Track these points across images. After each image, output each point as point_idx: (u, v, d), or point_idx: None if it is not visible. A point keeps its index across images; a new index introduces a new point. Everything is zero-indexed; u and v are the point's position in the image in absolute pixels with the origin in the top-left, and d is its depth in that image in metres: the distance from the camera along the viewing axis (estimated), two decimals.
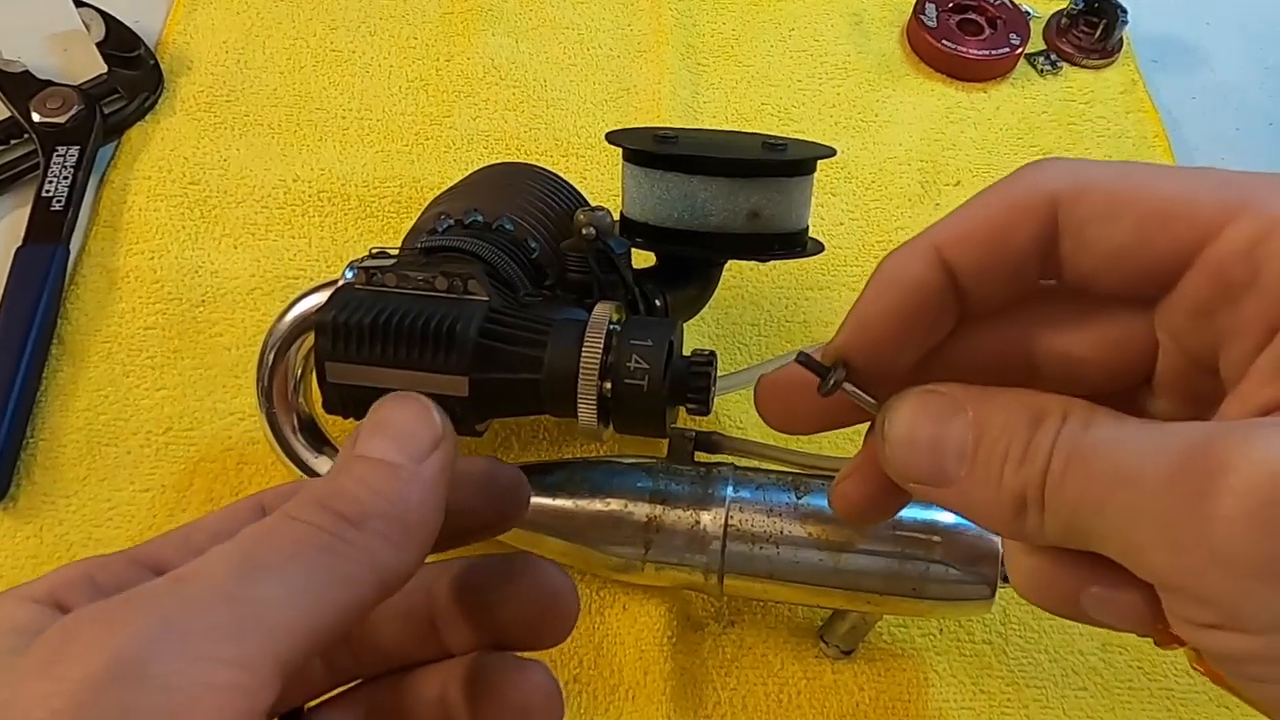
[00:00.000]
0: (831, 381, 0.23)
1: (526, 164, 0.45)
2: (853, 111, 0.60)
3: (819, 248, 0.41)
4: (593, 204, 0.39)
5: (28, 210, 0.50)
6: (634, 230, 0.40)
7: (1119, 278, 0.20)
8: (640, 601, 0.41)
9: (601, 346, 0.31)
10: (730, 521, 0.37)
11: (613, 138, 0.40)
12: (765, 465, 0.40)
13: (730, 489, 0.37)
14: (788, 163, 0.38)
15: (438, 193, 0.45)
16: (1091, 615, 0.21)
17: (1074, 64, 0.64)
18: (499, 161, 0.47)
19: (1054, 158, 0.21)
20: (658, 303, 0.40)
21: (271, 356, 0.40)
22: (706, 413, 0.30)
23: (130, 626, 0.16)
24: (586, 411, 0.30)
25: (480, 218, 0.39)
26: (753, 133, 0.45)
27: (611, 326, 0.31)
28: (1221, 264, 0.19)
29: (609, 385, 0.30)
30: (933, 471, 0.21)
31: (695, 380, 0.31)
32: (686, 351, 0.35)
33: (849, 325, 0.23)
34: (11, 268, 0.48)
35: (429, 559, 0.21)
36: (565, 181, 0.44)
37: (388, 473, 0.20)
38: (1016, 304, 0.23)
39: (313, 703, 0.24)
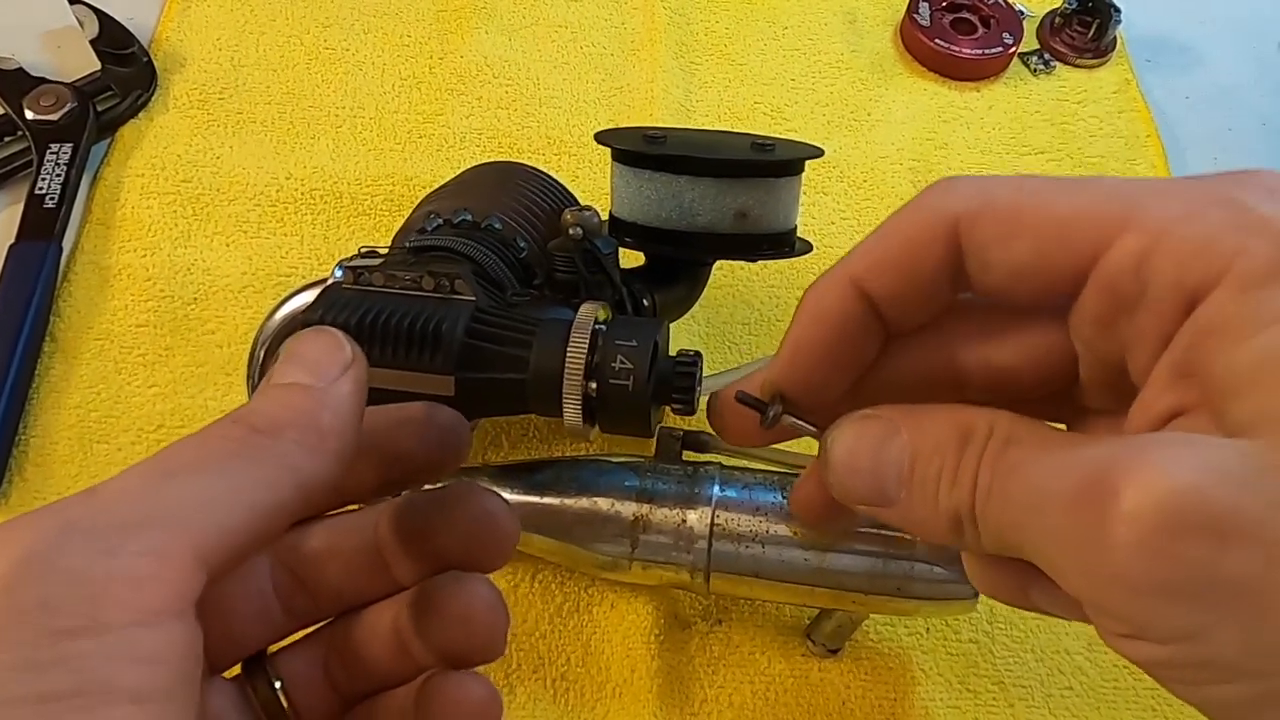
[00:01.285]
0: (771, 415, 0.24)
1: (517, 163, 0.45)
2: (845, 110, 0.60)
3: (807, 247, 0.42)
4: (584, 203, 0.39)
5: (20, 207, 0.50)
6: (622, 230, 0.40)
7: (1024, 293, 0.21)
8: (628, 600, 0.42)
9: (586, 346, 0.31)
10: (716, 521, 0.37)
11: (601, 137, 0.40)
12: (752, 465, 0.40)
13: (717, 488, 0.38)
14: (775, 163, 0.38)
15: (430, 190, 0.45)
16: (1043, 608, 0.22)
17: (1067, 63, 0.64)
18: (489, 160, 0.47)
19: (957, 177, 0.22)
20: (646, 303, 0.40)
21: (262, 354, 0.40)
22: (691, 413, 0.30)
23: (37, 529, 0.17)
24: (572, 411, 0.30)
25: (469, 217, 0.39)
26: (742, 133, 0.45)
27: (597, 326, 0.31)
28: (1112, 280, 0.20)
29: (594, 385, 0.30)
30: (875, 493, 0.22)
31: (680, 380, 0.31)
32: (673, 351, 0.35)
33: (779, 359, 0.24)
34: (4, 265, 0.48)
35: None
36: (555, 180, 0.44)
37: (301, 392, 0.21)
38: (941, 318, 0.23)
39: (274, 646, 0.25)
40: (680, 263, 0.42)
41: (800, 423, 0.24)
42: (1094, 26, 0.63)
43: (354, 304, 0.33)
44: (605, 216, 0.42)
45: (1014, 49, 0.62)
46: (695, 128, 0.58)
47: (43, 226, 0.49)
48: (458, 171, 0.46)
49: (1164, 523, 0.16)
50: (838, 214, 0.56)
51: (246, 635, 0.24)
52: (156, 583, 0.17)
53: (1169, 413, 0.19)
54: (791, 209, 0.40)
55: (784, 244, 0.41)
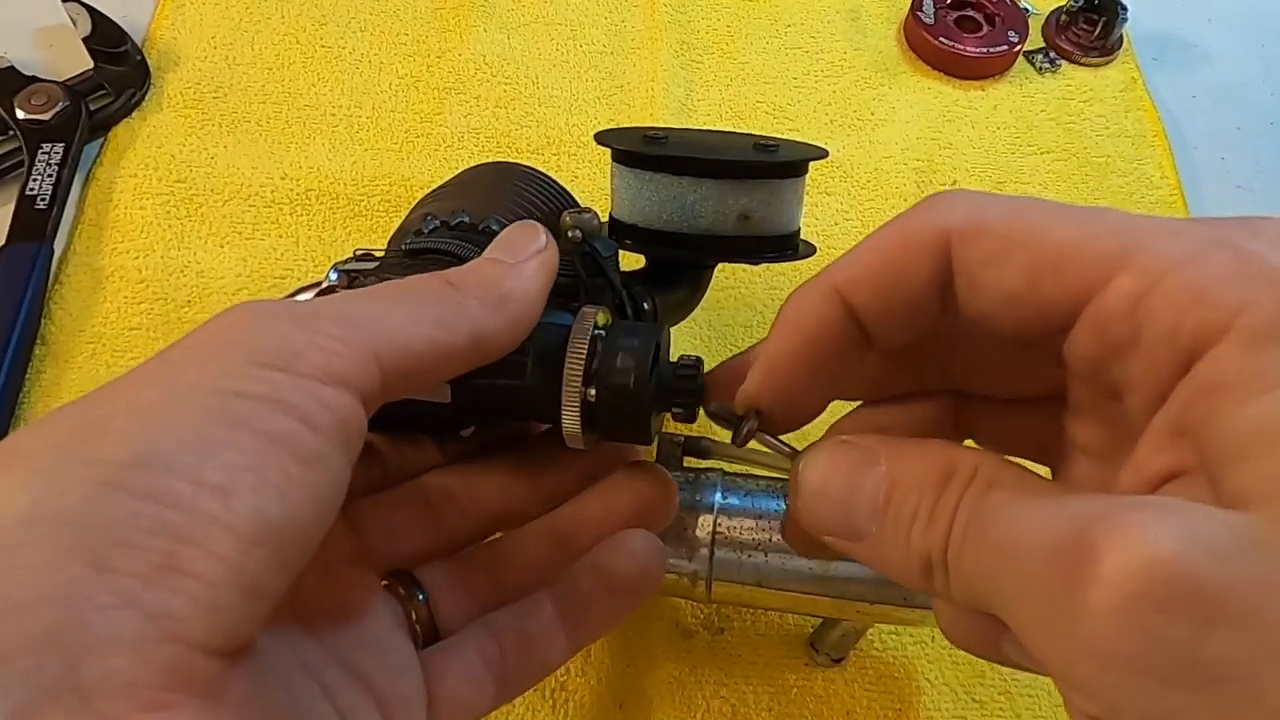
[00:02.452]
0: (745, 432, 0.23)
1: (514, 164, 0.45)
2: (849, 109, 0.59)
3: (810, 250, 0.41)
4: (583, 203, 0.39)
5: (11, 208, 0.49)
6: (623, 232, 0.40)
7: (1013, 321, 0.20)
8: None
9: (585, 351, 0.30)
10: (719, 528, 0.36)
11: (601, 138, 0.40)
12: (754, 471, 0.39)
13: (719, 495, 0.37)
14: (778, 164, 0.38)
15: (427, 191, 0.45)
16: (1016, 663, 0.21)
17: (1073, 62, 0.63)
18: (487, 161, 0.46)
19: (954, 190, 0.21)
20: (646, 306, 0.39)
21: None
22: (693, 420, 0.30)
23: (255, 305, 0.21)
24: (570, 418, 0.29)
25: (466, 219, 0.38)
26: (744, 133, 0.44)
27: (597, 331, 0.30)
28: (1104, 320, 0.18)
29: (593, 391, 0.29)
30: (845, 526, 0.21)
31: (682, 386, 0.30)
32: (674, 356, 0.34)
33: (757, 369, 0.23)
34: None
35: None
36: (554, 181, 0.44)
37: (491, 264, 0.25)
38: (925, 337, 0.22)
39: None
40: (681, 265, 0.41)
41: (775, 441, 0.23)
42: (1100, 24, 0.62)
43: None
44: (605, 218, 0.41)
45: (1019, 47, 0.61)
46: (697, 128, 0.57)
47: (34, 227, 0.49)
48: (455, 171, 0.46)
49: (1145, 593, 0.15)
50: (841, 214, 0.55)
51: (401, 545, 0.27)
52: (340, 359, 0.20)
53: (1164, 474, 0.18)
54: (795, 211, 0.40)
55: (787, 246, 0.40)
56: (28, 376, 0.46)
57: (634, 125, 0.55)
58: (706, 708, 0.40)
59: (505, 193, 0.41)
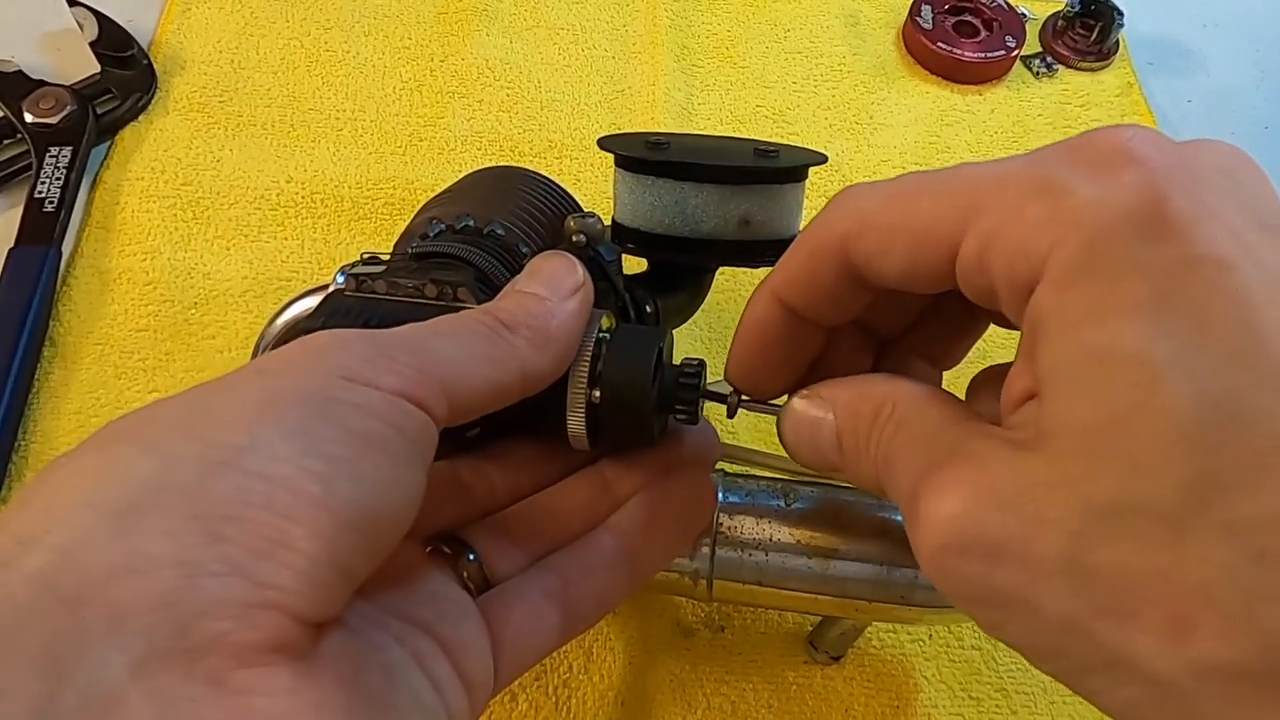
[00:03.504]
0: (730, 404, 0.28)
1: (519, 168, 0.45)
2: (848, 113, 0.60)
3: None
4: (586, 207, 0.39)
5: (20, 211, 0.50)
6: (625, 236, 0.40)
7: (920, 288, 0.23)
8: (630, 607, 0.41)
9: (591, 354, 0.31)
10: (719, 527, 0.37)
11: (604, 143, 0.40)
12: (755, 471, 0.40)
13: (720, 494, 0.37)
14: (779, 170, 0.38)
15: (431, 194, 0.45)
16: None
17: (1070, 66, 0.64)
18: (491, 165, 0.47)
19: (847, 189, 0.24)
20: (649, 309, 0.40)
21: None
22: (695, 423, 0.30)
23: (343, 333, 0.23)
24: (576, 422, 0.30)
25: (472, 222, 0.39)
26: (745, 139, 0.44)
27: (601, 335, 0.31)
28: (966, 277, 0.21)
29: (598, 394, 0.30)
30: (822, 464, 0.25)
31: (684, 391, 0.31)
32: (677, 360, 0.35)
33: (730, 361, 0.28)
34: (3, 269, 0.48)
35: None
36: (557, 185, 0.44)
37: (538, 302, 0.26)
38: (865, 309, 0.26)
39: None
40: (683, 269, 0.42)
41: (760, 406, 0.28)
42: (1096, 29, 0.63)
43: (356, 311, 0.33)
44: (608, 222, 0.42)
45: (1016, 52, 0.62)
46: (699, 133, 0.58)
47: (42, 230, 0.49)
48: (459, 175, 0.46)
49: (945, 542, 0.19)
50: None
51: (439, 518, 0.28)
52: (416, 386, 0.22)
53: (1023, 395, 0.20)
54: (795, 215, 0.40)
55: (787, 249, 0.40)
56: (36, 377, 0.46)
57: (636, 130, 0.55)
58: (707, 705, 0.40)
59: (510, 196, 0.42)
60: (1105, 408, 0.18)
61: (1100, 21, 0.62)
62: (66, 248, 0.50)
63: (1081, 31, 0.63)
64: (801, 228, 0.41)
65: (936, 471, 0.20)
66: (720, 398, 0.28)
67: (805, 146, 0.43)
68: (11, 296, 0.47)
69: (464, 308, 0.34)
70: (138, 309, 0.49)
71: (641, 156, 0.39)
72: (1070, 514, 0.18)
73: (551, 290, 0.26)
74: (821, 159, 0.39)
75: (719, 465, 0.39)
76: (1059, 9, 0.65)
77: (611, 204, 0.42)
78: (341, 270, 0.36)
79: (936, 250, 0.21)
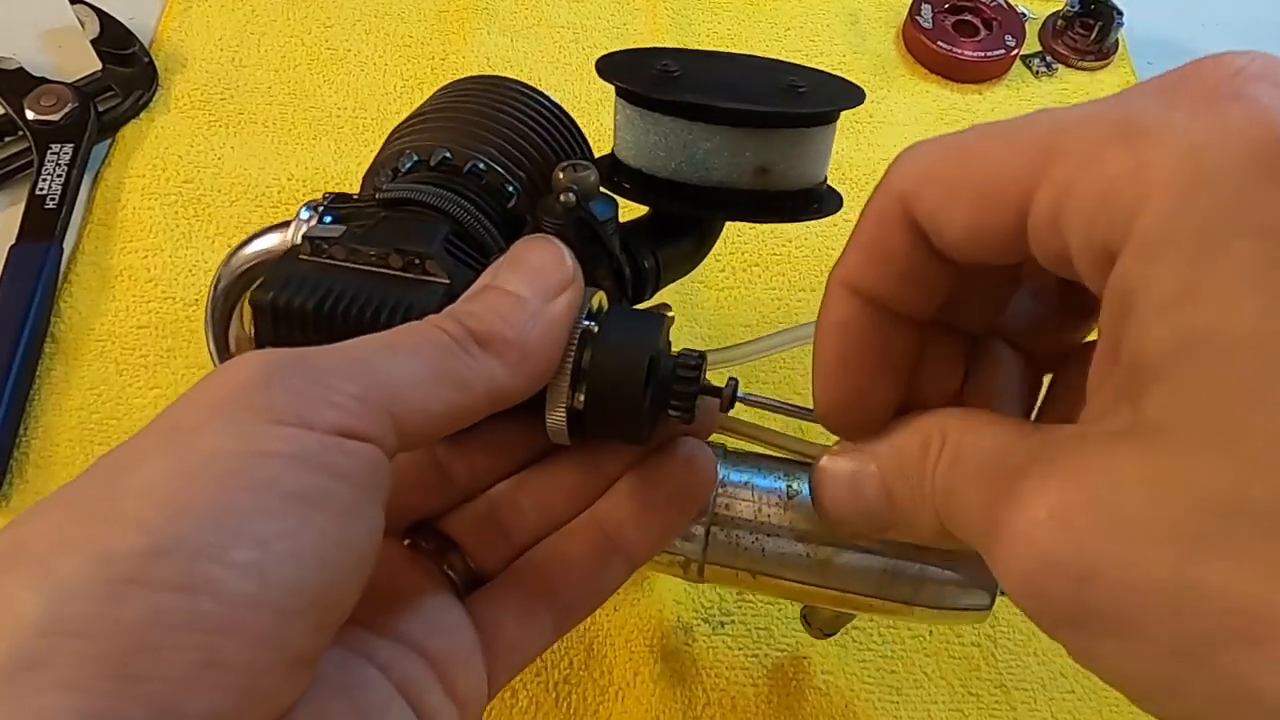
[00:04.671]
0: (728, 395, 0.25)
1: (510, 82, 0.39)
2: (847, 112, 0.60)
3: (836, 204, 0.36)
4: (576, 160, 0.33)
5: (21, 208, 0.50)
6: (624, 175, 0.36)
7: (986, 255, 0.20)
8: (631, 602, 0.42)
9: (576, 348, 0.27)
10: (716, 507, 0.36)
11: (604, 69, 0.35)
12: (757, 449, 0.39)
13: (720, 471, 0.36)
14: (805, 115, 0.34)
15: (406, 116, 0.39)
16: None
17: (1069, 66, 0.64)
18: (478, 76, 0.39)
19: (913, 145, 0.20)
20: (647, 264, 0.35)
21: (220, 305, 0.37)
22: (691, 421, 0.28)
23: (275, 357, 0.19)
24: (555, 419, 0.25)
25: (449, 156, 0.34)
26: (772, 61, 0.38)
27: (587, 323, 0.25)
28: (1038, 238, 0.18)
29: (581, 396, 0.25)
30: (872, 522, 0.22)
31: (681, 386, 0.28)
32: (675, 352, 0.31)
33: (816, 380, 0.23)
34: (5, 266, 0.48)
35: None
36: (552, 103, 0.39)
37: (517, 305, 0.22)
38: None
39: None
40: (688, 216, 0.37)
41: (763, 401, 0.26)
42: (1096, 29, 0.63)
43: (310, 283, 0.28)
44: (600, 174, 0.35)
45: (1016, 51, 0.62)
46: (716, 50, 0.52)
47: (43, 227, 0.49)
48: None
49: (1039, 562, 0.17)
50: (840, 216, 0.55)
51: (412, 509, 0.26)
52: (358, 420, 0.19)
53: (1110, 381, 0.18)
54: (821, 162, 0.36)
55: (810, 202, 0.35)
56: (38, 374, 0.46)
57: (643, 47, 0.49)
58: (707, 700, 0.40)
59: (496, 121, 0.36)
60: (1214, 399, 0.15)
61: (1100, 21, 0.62)
62: (68, 245, 0.50)
63: (1081, 31, 0.63)
64: (828, 172, 0.37)
65: (1015, 484, 0.18)
66: (716, 391, 0.25)
67: (841, 76, 0.38)
68: (13, 293, 0.47)
69: (433, 282, 0.28)
70: (139, 306, 0.49)
71: (645, 93, 0.34)
72: (1177, 517, 0.16)
73: (534, 289, 0.22)
74: (858, 97, 0.35)
75: (721, 440, 0.38)
76: (1059, 9, 0.65)
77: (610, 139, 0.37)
78: (307, 205, 0.33)
79: (1004, 206, 0.18)
